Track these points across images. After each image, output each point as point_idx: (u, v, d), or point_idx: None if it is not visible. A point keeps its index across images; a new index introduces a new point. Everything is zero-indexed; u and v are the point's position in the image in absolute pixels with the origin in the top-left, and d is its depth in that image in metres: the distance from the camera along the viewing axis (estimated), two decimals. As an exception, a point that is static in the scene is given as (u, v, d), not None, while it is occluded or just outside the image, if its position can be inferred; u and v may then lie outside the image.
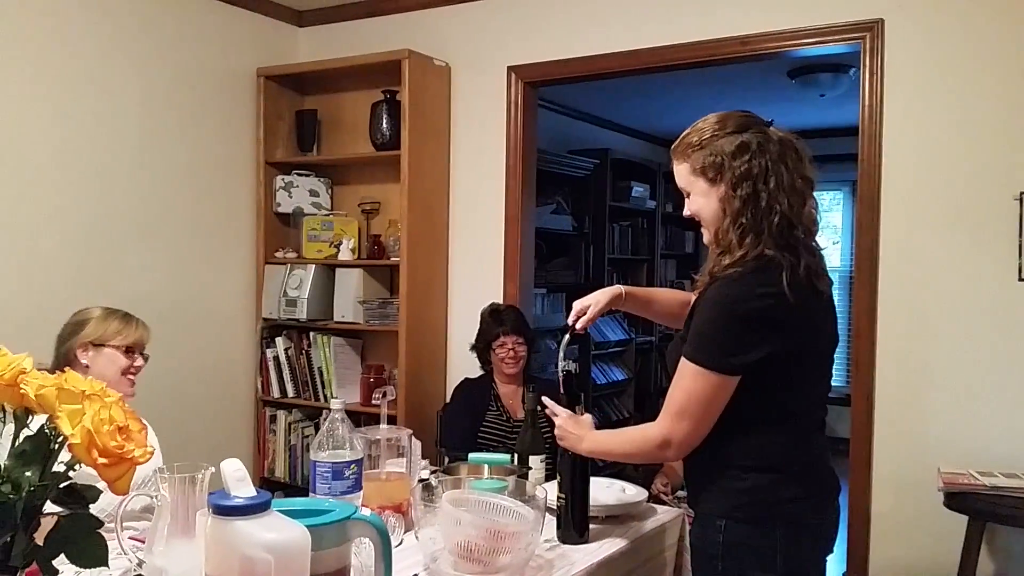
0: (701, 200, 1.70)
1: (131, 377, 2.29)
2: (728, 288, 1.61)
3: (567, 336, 1.90)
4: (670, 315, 2.04)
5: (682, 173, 1.72)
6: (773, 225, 1.60)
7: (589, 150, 6.02)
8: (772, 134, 1.66)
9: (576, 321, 1.92)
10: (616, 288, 1.98)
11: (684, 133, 1.72)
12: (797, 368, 1.64)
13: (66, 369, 2.15)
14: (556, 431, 1.87)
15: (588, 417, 1.86)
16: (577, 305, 1.95)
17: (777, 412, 1.66)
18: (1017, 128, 2.73)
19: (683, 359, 1.63)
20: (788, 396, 1.66)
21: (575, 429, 1.83)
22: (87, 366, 2.23)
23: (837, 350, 1.77)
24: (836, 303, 1.77)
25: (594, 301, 1.94)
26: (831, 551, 1.81)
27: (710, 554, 1.68)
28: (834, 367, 1.78)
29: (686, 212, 1.76)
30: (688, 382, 1.62)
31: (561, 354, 1.89)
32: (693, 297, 1.77)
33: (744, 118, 1.68)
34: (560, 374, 1.90)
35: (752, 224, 1.61)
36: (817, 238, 1.71)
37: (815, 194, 1.69)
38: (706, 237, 1.73)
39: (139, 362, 2.32)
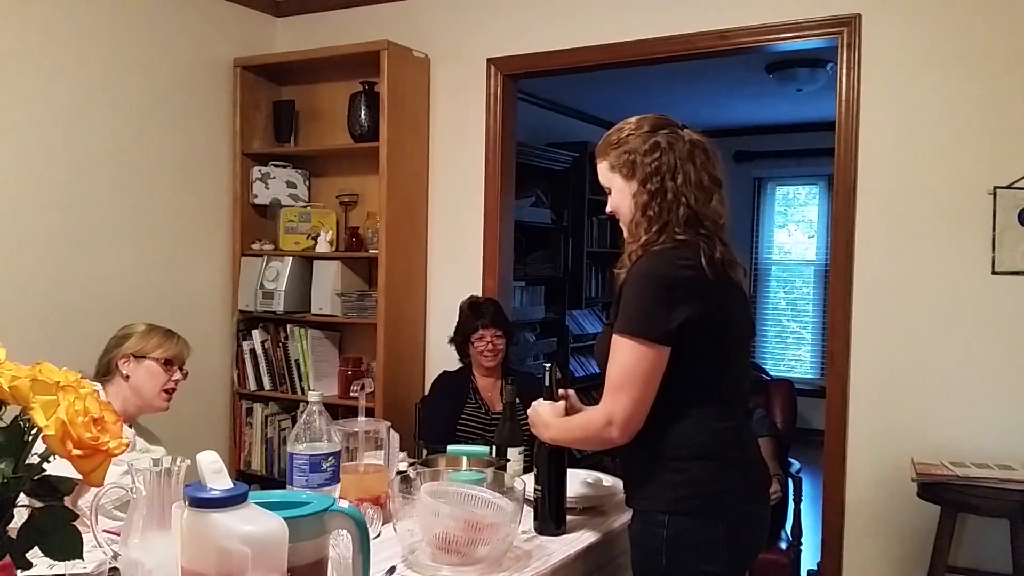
0: (618, 196, 1.80)
1: (167, 391, 2.35)
2: (650, 260, 1.68)
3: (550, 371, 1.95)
4: None
5: (603, 170, 1.82)
6: (679, 217, 1.70)
7: (568, 143, 6.02)
8: (684, 135, 1.76)
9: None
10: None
11: (606, 133, 1.82)
12: (717, 348, 1.68)
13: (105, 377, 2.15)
14: (529, 413, 1.88)
15: (560, 405, 1.86)
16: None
17: (705, 394, 1.69)
18: (992, 123, 2.77)
19: (614, 336, 1.66)
20: (711, 377, 1.69)
21: (545, 418, 1.84)
22: (127, 376, 2.31)
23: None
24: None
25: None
26: (764, 542, 1.82)
27: (653, 548, 1.68)
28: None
29: (608, 209, 1.86)
30: (622, 356, 1.64)
31: (548, 366, 1.97)
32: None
33: (659, 120, 1.78)
34: (546, 369, 1.95)
35: (659, 215, 1.71)
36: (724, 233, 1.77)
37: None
38: (625, 234, 1.81)
39: (177, 376, 2.38)
